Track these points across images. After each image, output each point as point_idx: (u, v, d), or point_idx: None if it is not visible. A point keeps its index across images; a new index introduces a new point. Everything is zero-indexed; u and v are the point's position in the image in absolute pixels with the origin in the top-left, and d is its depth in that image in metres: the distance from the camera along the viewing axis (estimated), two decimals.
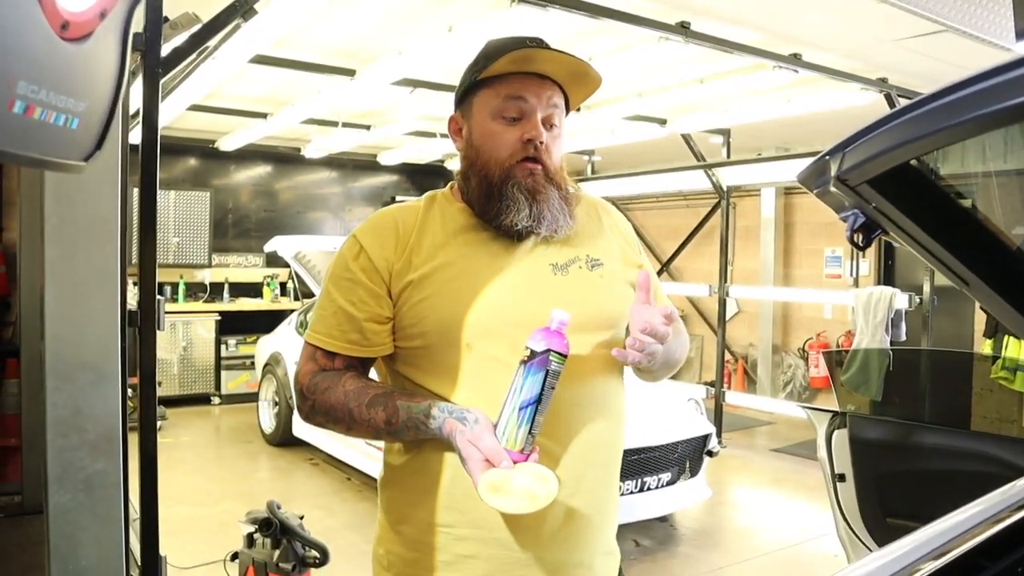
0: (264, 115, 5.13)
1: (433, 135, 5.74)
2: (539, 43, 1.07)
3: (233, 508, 3.62)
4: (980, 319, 5.19)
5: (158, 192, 1.91)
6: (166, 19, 1.93)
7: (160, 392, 2.67)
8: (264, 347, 5.43)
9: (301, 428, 4.71)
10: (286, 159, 6.93)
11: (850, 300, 4.84)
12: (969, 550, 0.87)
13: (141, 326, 1.86)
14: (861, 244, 1.15)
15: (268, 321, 6.05)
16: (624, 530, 3.48)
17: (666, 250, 7.67)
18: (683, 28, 2.93)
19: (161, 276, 2.01)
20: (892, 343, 4.49)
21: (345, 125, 5.32)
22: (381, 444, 1.14)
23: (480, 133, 1.08)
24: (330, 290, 1.08)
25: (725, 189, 5.55)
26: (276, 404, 5.07)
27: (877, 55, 3.35)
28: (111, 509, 1.63)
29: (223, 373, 6.36)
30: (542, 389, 0.93)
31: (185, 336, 6.21)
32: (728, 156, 5.52)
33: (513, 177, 1.05)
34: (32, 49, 0.51)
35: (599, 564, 1.09)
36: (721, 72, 3.83)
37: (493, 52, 1.06)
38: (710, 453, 3.68)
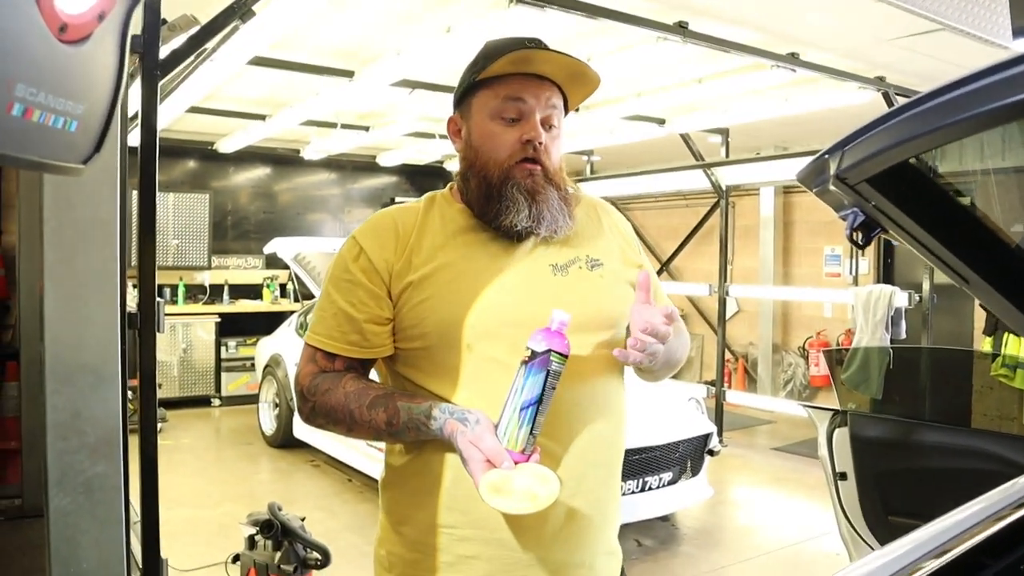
0: (263, 117, 5.13)
1: (432, 136, 5.74)
2: (538, 44, 1.07)
3: (234, 510, 3.62)
4: (980, 317, 5.19)
5: (157, 194, 1.91)
6: (164, 21, 1.93)
7: (160, 394, 2.67)
8: (264, 349, 5.43)
9: (302, 430, 4.71)
10: (285, 161, 6.93)
11: (850, 298, 4.84)
12: (970, 548, 0.87)
13: (141, 328, 1.86)
14: (861, 242, 1.15)
15: (268, 323, 6.05)
16: (626, 530, 3.48)
17: (666, 250, 7.67)
18: (681, 28, 2.93)
19: (161, 278, 2.01)
20: (892, 341, 4.49)
21: (344, 126, 5.32)
22: (382, 445, 1.14)
23: (479, 134, 1.08)
24: (330, 291, 1.08)
25: (724, 188, 5.56)
26: (276, 406, 5.07)
27: (875, 54, 3.35)
28: (111, 512, 1.63)
29: (223, 375, 6.36)
30: (543, 389, 0.92)
31: (185, 338, 6.21)
32: (727, 155, 5.52)
33: (512, 178, 1.05)
34: (30, 52, 0.51)
35: (601, 564, 1.09)
36: (719, 72, 3.83)
37: (492, 53, 1.06)
38: (711, 452, 3.68)
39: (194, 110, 4.55)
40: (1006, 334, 4.40)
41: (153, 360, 1.89)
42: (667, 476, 3.42)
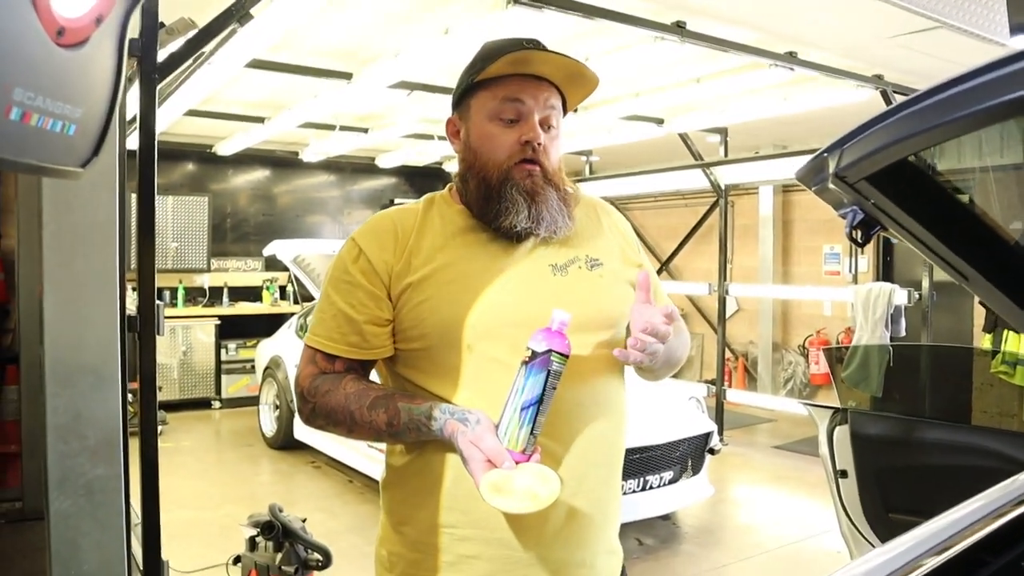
0: (261, 119, 5.13)
1: (431, 137, 5.74)
2: (536, 45, 1.07)
3: (235, 512, 3.62)
4: (979, 314, 5.19)
5: (156, 197, 1.91)
6: (162, 24, 1.93)
7: (160, 397, 2.67)
8: (264, 351, 5.43)
9: (302, 431, 4.71)
10: (284, 163, 6.93)
11: (849, 296, 4.84)
12: (971, 545, 0.87)
13: (141, 331, 1.86)
14: (860, 240, 1.16)
15: (268, 325, 6.05)
16: (627, 529, 3.48)
17: (665, 249, 7.68)
18: (679, 28, 2.93)
19: (160, 281, 2.01)
20: (892, 339, 4.49)
21: (343, 128, 5.32)
22: (383, 446, 1.14)
23: (478, 135, 1.08)
24: (329, 293, 1.08)
25: (723, 188, 5.56)
26: (277, 407, 5.07)
27: (873, 52, 3.35)
28: (112, 514, 1.63)
29: (223, 377, 6.36)
30: (544, 389, 0.93)
31: (185, 340, 6.21)
32: (726, 155, 5.53)
33: (511, 179, 1.05)
34: (28, 55, 0.51)
35: (602, 563, 1.10)
36: (717, 71, 3.83)
37: (490, 54, 1.06)
38: (712, 451, 3.68)
39: (192, 113, 4.55)
40: (1006, 331, 4.40)
41: (153, 363, 1.89)
42: (668, 475, 3.42)
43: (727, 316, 5.95)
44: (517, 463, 0.92)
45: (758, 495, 4.48)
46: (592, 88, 1.10)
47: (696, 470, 3.58)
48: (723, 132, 5.44)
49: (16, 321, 3.77)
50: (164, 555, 1.92)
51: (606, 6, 2.69)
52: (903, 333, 4.59)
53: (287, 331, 5.28)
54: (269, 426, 5.16)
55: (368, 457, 3.92)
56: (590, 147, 6.34)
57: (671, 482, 3.44)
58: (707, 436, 3.63)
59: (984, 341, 4.74)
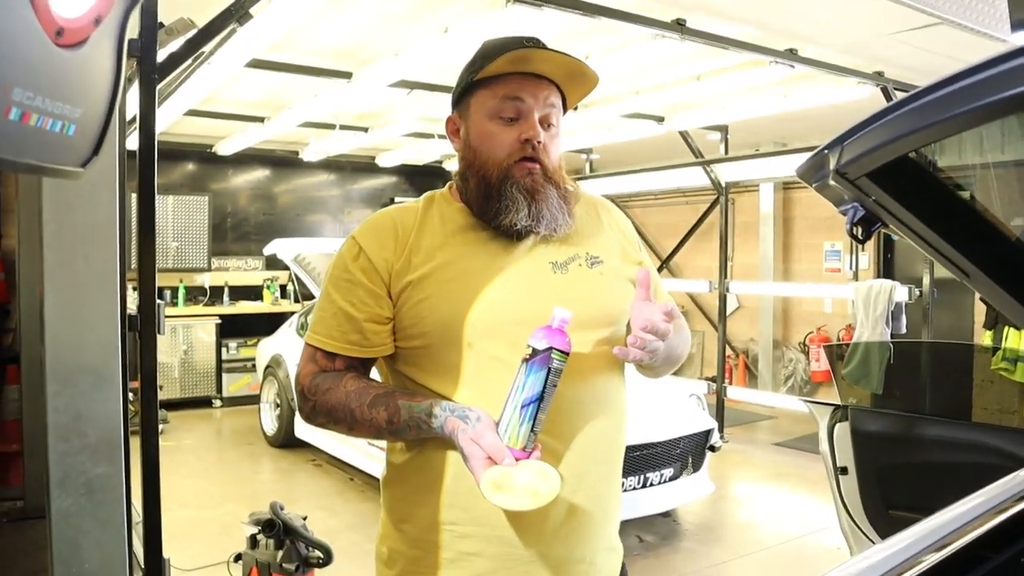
0: (261, 119, 5.12)
1: (431, 136, 5.73)
2: (535, 43, 1.07)
3: (236, 510, 3.62)
4: (980, 311, 5.19)
5: (156, 197, 1.91)
6: (161, 25, 1.93)
7: (161, 396, 2.68)
8: (265, 349, 5.43)
9: (303, 429, 4.72)
10: (284, 162, 6.92)
11: (850, 294, 4.84)
12: (971, 541, 0.87)
13: (141, 330, 1.86)
14: (861, 237, 1.16)
15: (269, 323, 6.06)
16: (627, 526, 3.49)
17: (666, 247, 7.67)
18: (679, 25, 2.93)
19: (161, 280, 2.01)
20: (892, 336, 4.49)
21: (343, 127, 5.31)
22: (383, 444, 1.14)
23: (478, 133, 1.08)
24: (330, 291, 1.08)
25: (723, 185, 5.55)
26: (278, 406, 5.07)
27: (873, 49, 3.34)
28: (113, 513, 1.63)
29: (224, 376, 6.36)
30: (544, 387, 0.93)
31: (186, 340, 6.21)
32: (726, 152, 5.52)
33: (511, 177, 1.05)
34: (27, 56, 0.51)
35: (602, 560, 1.10)
36: (718, 69, 3.83)
37: (490, 53, 1.06)
38: (712, 448, 3.68)
39: (192, 113, 4.55)
40: (1006, 328, 4.40)
41: (154, 362, 1.89)
42: (668, 472, 3.43)
43: (728, 313, 5.95)
44: (517, 460, 0.92)
45: (758, 492, 4.48)
46: (592, 86, 1.10)
47: (696, 467, 3.59)
48: (723, 129, 5.43)
49: (17, 320, 3.78)
50: (165, 553, 1.92)
51: (606, 4, 2.69)
52: (904, 330, 4.59)
53: (288, 330, 5.28)
54: (270, 424, 5.17)
55: (369, 455, 3.93)
56: (590, 145, 6.33)
57: (671, 479, 3.44)
58: (707, 433, 3.63)
59: (985, 338, 4.73)
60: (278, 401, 5.07)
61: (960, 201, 1.21)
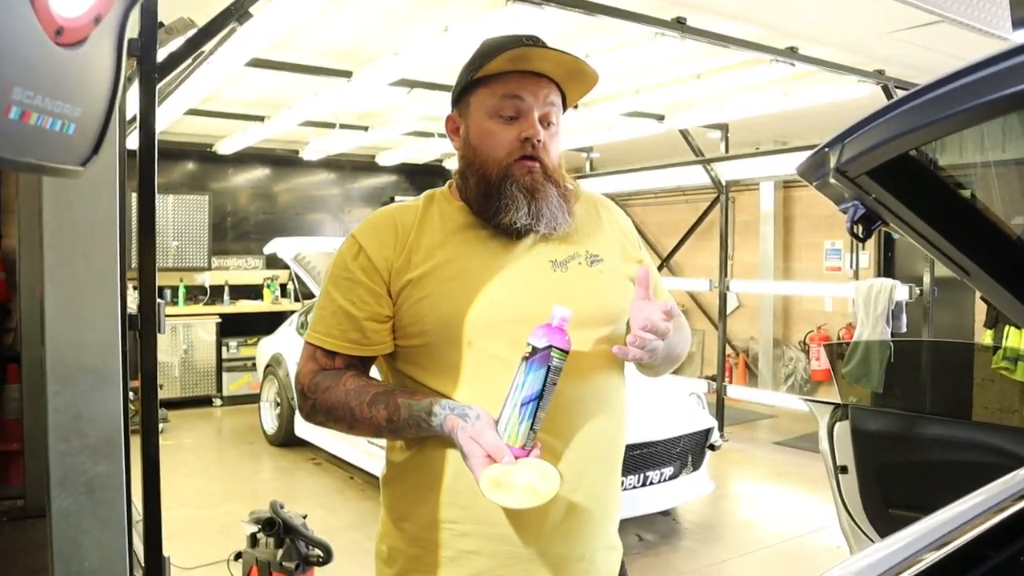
0: (261, 118, 5.12)
1: (431, 135, 5.73)
2: (535, 41, 1.07)
3: (236, 509, 3.63)
4: (981, 309, 5.19)
5: (156, 196, 1.91)
6: (161, 24, 1.93)
7: (162, 395, 2.68)
8: (265, 348, 5.44)
9: (303, 428, 4.72)
10: (284, 161, 6.92)
11: (850, 292, 4.84)
12: (971, 540, 0.87)
13: (142, 329, 1.86)
14: (861, 235, 1.15)
15: (269, 322, 6.06)
16: (627, 524, 3.49)
17: (666, 245, 7.67)
18: (679, 24, 2.93)
19: (161, 280, 2.01)
20: (893, 335, 4.49)
21: (343, 126, 5.31)
22: (383, 442, 1.14)
23: (477, 132, 1.08)
24: (330, 290, 1.08)
25: (724, 184, 5.55)
26: (278, 405, 5.08)
27: (874, 47, 3.34)
28: (113, 512, 1.63)
29: (224, 375, 6.36)
30: (544, 385, 0.93)
31: (186, 339, 6.22)
32: (726, 151, 5.52)
33: (511, 175, 1.05)
34: (27, 55, 0.51)
35: (601, 558, 1.10)
36: (718, 67, 3.82)
37: (489, 51, 1.06)
38: (712, 447, 3.68)
39: (192, 112, 4.55)
40: (1007, 327, 4.40)
41: (154, 361, 1.90)
42: (668, 471, 3.43)
43: (728, 312, 5.95)
44: (517, 458, 0.92)
45: (758, 491, 4.48)
46: (592, 84, 1.10)
47: (696, 466, 3.59)
48: (724, 128, 5.43)
49: (17, 320, 3.78)
50: (165, 552, 1.92)
51: (606, 2, 2.68)
52: (904, 329, 4.59)
53: (288, 329, 5.28)
54: (270, 423, 5.17)
55: (368, 454, 3.93)
56: (591, 143, 6.33)
57: (671, 478, 3.44)
58: (707, 432, 3.63)
59: (985, 337, 4.73)
60: (278, 400, 5.07)
61: (961, 199, 1.21)
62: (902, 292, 4.52)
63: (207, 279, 6.55)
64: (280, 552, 2.14)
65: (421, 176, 7.63)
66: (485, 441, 0.92)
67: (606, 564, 1.11)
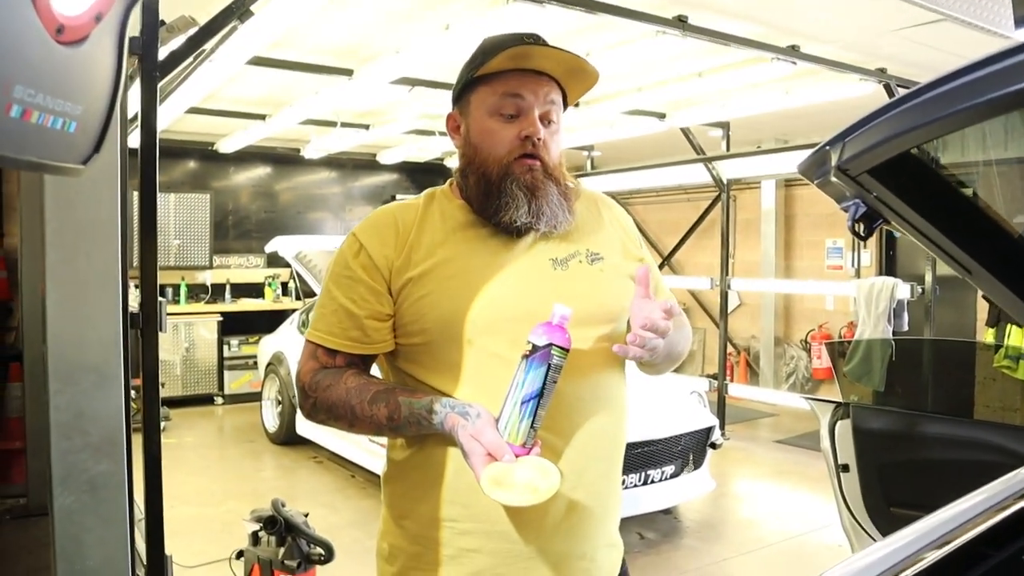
0: (263, 116, 5.12)
1: (432, 133, 5.73)
2: (536, 39, 1.06)
3: (237, 507, 3.63)
4: (982, 308, 5.18)
5: (158, 195, 1.91)
6: (162, 22, 1.93)
7: (163, 393, 2.69)
8: (266, 347, 5.44)
9: (304, 427, 4.73)
10: (285, 160, 6.93)
11: (852, 291, 4.83)
12: (973, 539, 0.87)
13: (143, 328, 1.86)
14: (862, 234, 1.15)
15: (270, 321, 6.06)
16: (628, 523, 3.49)
17: (667, 244, 7.67)
18: (681, 22, 2.92)
19: (162, 278, 2.01)
20: (894, 333, 4.49)
21: (344, 125, 5.31)
22: (384, 441, 1.14)
23: (478, 130, 1.08)
24: (330, 288, 1.09)
25: (725, 182, 5.54)
26: (279, 403, 5.08)
27: (876, 46, 3.34)
28: (115, 510, 1.64)
29: (226, 373, 6.37)
30: (544, 383, 0.93)
31: (187, 337, 6.22)
32: (727, 149, 5.51)
33: (512, 174, 1.05)
34: (28, 53, 0.51)
35: (602, 556, 1.10)
36: (719, 65, 3.82)
37: (490, 49, 1.06)
38: (713, 445, 3.68)
39: (194, 111, 4.55)
40: (1009, 325, 4.39)
41: (156, 359, 1.90)
42: (669, 469, 3.43)
43: (729, 311, 5.95)
44: (517, 456, 0.92)
45: (760, 489, 4.48)
46: (592, 82, 1.10)
47: (697, 464, 3.59)
48: (725, 126, 5.42)
49: (19, 318, 3.79)
50: (167, 550, 1.93)
51: (608, 1, 2.68)
52: (906, 327, 4.59)
53: (289, 327, 5.29)
54: (271, 422, 5.18)
55: (370, 452, 3.94)
56: (591, 142, 6.32)
57: (672, 476, 3.44)
58: (709, 430, 3.63)
59: (987, 335, 4.73)
60: (279, 398, 5.08)
61: (962, 198, 1.20)
62: (904, 291, 4.51)
63: (208, 277, 6.56)
64: (282, 550, 2.15)
65: (422, 175, 7.63)
66: (486, 439, 0.92)
67: (607, 562, 1.11)
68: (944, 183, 1.14)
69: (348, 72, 3.83)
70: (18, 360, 3.63)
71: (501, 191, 1.05)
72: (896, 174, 1.04)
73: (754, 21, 3.05)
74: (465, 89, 1.09)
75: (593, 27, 3.12)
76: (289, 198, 7.15)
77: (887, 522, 1.92)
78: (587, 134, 5.80)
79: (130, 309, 1.77)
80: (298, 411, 4.17)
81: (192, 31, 2.19)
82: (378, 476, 1.25)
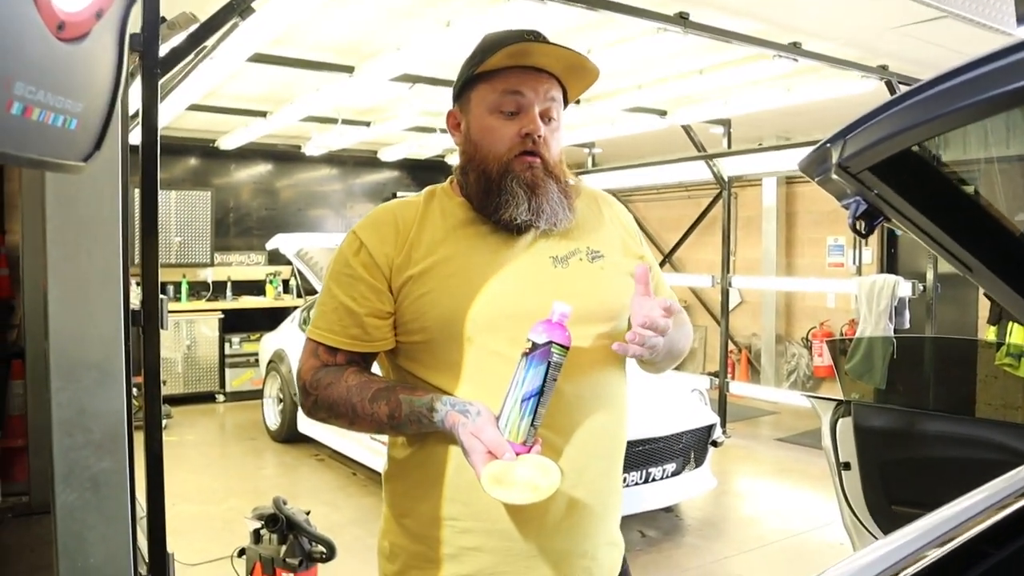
0: (264, 113, 5.12)
1: (433, 130, 5.73)
2: (536, 36, 1.06)
3: (239, 505, 3.64)
4: (984, 306, 5.18)
5: (159, 192, 1.91)
6: (163, 19, 1.93)
7: (165, 391, 2.69)
8: (268, 344, 5.45)
9: (306, 424, 4.73)
10: (286, 157, 6.93)
11: (853, 288, 4.83)
12: (974, 537, 0.87)
13: (144, 325, 1.86)
14: (863, 231, 1.15)
15: (271, 318, 6.07)
16: (629, 521, 3.49)
17: (668, 241, 7.66)
18: (682, 19, 2.92)
19: (164, 275, 2.01)
20: (896, 331, 4.48)
21: (345, 122, 5.31)
22: (385, 439, 1.15)
23: (478, 128, 1.08)
24: (331, 286, 1.09)
25: (726, 179, 5.54)
26: (281, 401, 5.09)
27: (877, 43, 3.33)
28: (118, 507, 1.64)
29: (227, 371, 6.38)
30: (544, 381, 0.93)
31: (189, 335, 6.23)
32: (729, 146, 5.50)
33: (512, 171, 1.05)
34: (29, 50, 0.51)
35: (603, 554, 1.10)
36: (721, 62, 3.81)
37: (490, 46, 1.05)
38: (714, 443, 3.68)
39: (195, 108, 4.54)
40: (1010, 323, 4.39)
41: (157, 357, 1.90)
42: (671, 467, 3.43)
43: (730, 308, 5.95)
44: (518, 454, 0.92)
45: (761, 487, 4.48)
46: (593, 80, 1.10)
47: (699, 462, 3.59)
48: (726, 124, 5.42)
49: (21, 316, 3.79)
50: (169, 548, 1.93)
51: None
52: (907, 325, 4.58)
53: (290, 325, 5.29)
54: (273, 419, 5.18)
55: (371, 450, 3.94)
56: (592, 139, 6.32)
57: (674, 474, 3.44)
58: (710, 428, 3.63)
59: (988, 333, 4.72)
60: (281, 396, 5.08)
61: (963, 196, 1.20)
62: (905, 288, 4.51)
63: (210, 275, 6.56)
64: (283, 548, 2.15)
65: (423, 172, 7.62)
66: (486, 437, 0.93)
67: (608, 560, 1.11)
68: (945, 181, 1.14)
69: (349, 69, 3.83)
70: (20, 357, 3.64)
71: (501, 188, 1.05)
72: (897, 171, 1.04)
73: (755, 18, 3.04)
74: (465, 86, 1.09)
75: (594, 24, 3.12)
76: (290, 195, 7.15)
77: (888, 520, 1.92)
78: (588, 131, 5.79)
79: (131, 306, 1.77)
80: (299, 409, 4.18)
81: (193, 28, 2.19)
82: (379, 474, 1.26)
